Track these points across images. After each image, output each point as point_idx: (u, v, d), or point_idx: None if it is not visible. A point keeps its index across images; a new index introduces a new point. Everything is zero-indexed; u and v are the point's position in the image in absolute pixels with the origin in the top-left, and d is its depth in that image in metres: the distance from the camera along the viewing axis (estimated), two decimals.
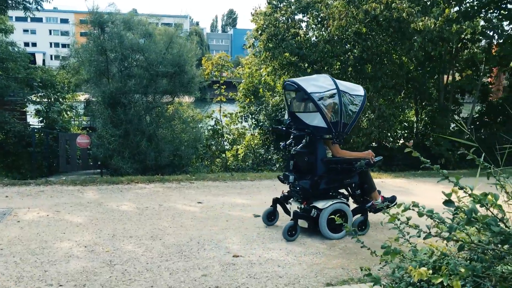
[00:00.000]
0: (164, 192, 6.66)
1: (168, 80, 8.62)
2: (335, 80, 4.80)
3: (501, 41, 10.23)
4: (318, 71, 9.49)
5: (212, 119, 11.52)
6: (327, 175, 4.71)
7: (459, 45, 10.58)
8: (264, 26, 9.82)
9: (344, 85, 4.83)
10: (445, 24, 8.37)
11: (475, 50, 11.35)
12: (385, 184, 7.76)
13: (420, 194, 7.08)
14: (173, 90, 8.99)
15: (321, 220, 4.62)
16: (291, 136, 4.93)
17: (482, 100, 12.28)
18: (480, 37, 10.24)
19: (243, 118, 11.69)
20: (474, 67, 11.91)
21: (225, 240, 4.55)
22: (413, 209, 2.12)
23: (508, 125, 11.39)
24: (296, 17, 10.09)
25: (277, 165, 10.53)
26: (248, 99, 11.82)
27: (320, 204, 4.65)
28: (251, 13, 10.72)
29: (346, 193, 5.06)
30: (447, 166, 10.68)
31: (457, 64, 11.46)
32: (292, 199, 5.00)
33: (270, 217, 5.13)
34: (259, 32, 10.00)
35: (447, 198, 2.05)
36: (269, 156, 10.93)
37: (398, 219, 2.29)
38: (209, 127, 11.32)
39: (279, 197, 5.14)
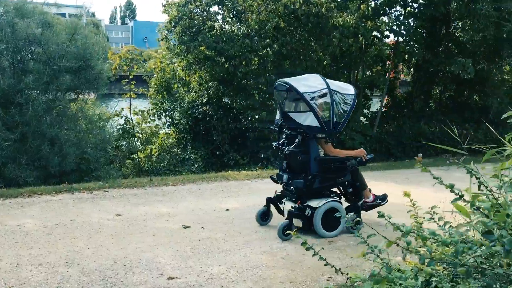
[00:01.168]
0: (75, 204, 5.88)
1: (72, 76, 7.70)
2: (326, 79, 4.88)
3: (407, 38, 10.79)
4: (236, 66, 9.20)
5: (121, 117, 10.65)
6: (321, 174, 4.78)
7: (366, 42, 10.94)
8: (178, 17, 9.26)
9: (335, 84, 4.93)
10: (361, 20, 8.58)
11: (382, 46, 11.92)
12: None
13: None
14: (77, 87, 8.08)
15: (316, 219, 4.68)
16: (283, 136, 5.04)
17: (389, 95, 12.95)
18: (389, 34, 10.71)
19: (156, 115, 10.99)
20: (382, 63, 12.50)
21: (155, 259, 4.05)
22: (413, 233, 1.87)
23: (413, 118, 12.14)
24: (211, 9, 9.68)
25: (196, 165, 10.08)
26: (160, 95, 11.14)
27: (314, 203, 4.71)
28: (162, 3, 10.09)
29: (337, 191, 5.10)
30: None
31: (365, 60, 11.90)
32: (285, 198, 5.02)
33: (263, 217, 5.18)
34: (173, 24, 9.41)
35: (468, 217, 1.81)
36: (187, 156, 10.42)
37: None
38: (119, 126, 10.46)
39: (272, 196, 5.19)
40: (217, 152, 10.41)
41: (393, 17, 10.40)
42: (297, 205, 4.69)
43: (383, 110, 12.85)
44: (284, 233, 4.57)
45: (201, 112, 10.26)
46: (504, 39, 10.35)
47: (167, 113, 11.05)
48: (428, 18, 10.80)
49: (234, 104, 10.05)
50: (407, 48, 11.44)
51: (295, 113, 4.87)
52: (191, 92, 10.73)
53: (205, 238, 4.69)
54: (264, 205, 5.20)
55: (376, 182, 7.52)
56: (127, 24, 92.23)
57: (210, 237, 4.73)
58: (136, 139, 10.75)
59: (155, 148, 10.98)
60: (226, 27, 9.46)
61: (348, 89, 4.98)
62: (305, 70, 9.39)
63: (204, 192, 6.73)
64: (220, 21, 9.77)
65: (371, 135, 11.56)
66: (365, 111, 12.61)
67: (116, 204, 5.91)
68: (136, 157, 10.60)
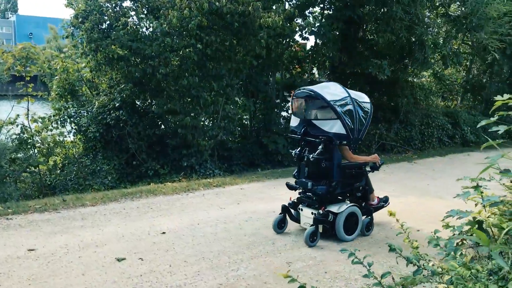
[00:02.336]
0: None
1: None
2: (344, 87, 5.08)
3: (325, 40, 10.86)
4: (154, 67, 8.44)
5: (17, 125, 9.21)
6: (342, 180, 5.01)
7: (284, 42, 10.81)
8: (86, 12, 8.20)
9: (353, 92, 5.08)
10: (285, 21, 8.37)
11: (298, 48, 11.94)
12: (247, 191, 7.28)
13: (283, 199, 6.83)
14: None
15: (338, 224, 4.88)
16: (302, 143, 5.15)
17: None
18: (308, 36, 10.69)
19: (59, 122, 9.69)
20: (299, 64, 12.52)
21: None
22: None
23: None
24: (124, 4, 8.75)
25: (109, 178, 9.06)
26: (63, 100, 9.87)
27: (334, 209, 4.91)
28: None
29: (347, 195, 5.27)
30: (283, 162, 10.92)
31: (284, 62, 11.80)
32: (301, 205, 5.17)
33: (280, 225, 5.23)
34: (80, 19, 8.31)
35: None
36: (98, 167, 9.33)
37: None
38: (14, 136, 9.02)
39: (287, 204, 5.28)
40: (133, 162, 9.48)
41: (311, 19, 10.39)
42: (321, 211, 4.83)
43: None
44: (311, 240, 4.77)
45: (113, 118, 9.25)
46: (414, 42, 10.91)
47: (72, 119, 9.81)
48: (344, 20, 10.98)
49: (152, 108, 9.23)
50: (324, 50, 11.55)
51: (321, 120, 4.98)
52: (101, 95, 9.65)
53: (147, 272, 4.02)
54: (280, 213, 5.28)
55: None
56: (8, 18, 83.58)
57: (152, 270, 4.07)
58: (36, 150, 9.38)
59: (60, 159, 9.69)
60: (142, 24, 8.61)
61: (363, 97, 5.18)
62: (229, 72, 8.96)
63: (130, 212, 5.94)
64: (135, 18, 8.89)
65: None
66: (285, 113, 12.51)
67: (26, 236, 4.92)
68: (38, 170, 9.25)
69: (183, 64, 8.44)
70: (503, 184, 3.81)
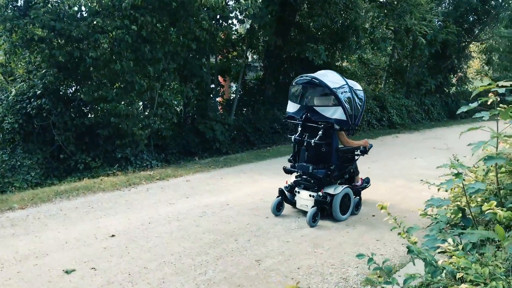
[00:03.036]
0: None
1: None
2: (341, 75, 5.38)
3: (261, 23, 10.59)
4: (83, 50, 7.65)
5: None
6: (339, 163, 5.30)
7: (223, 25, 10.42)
8: None
9: (349, 80, 5.36)
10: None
11: (231, 31, 11.58)
12: (194, 184, 6.88)
13: (233, 190, 6.55)
14: None
15: (335, 204, 5.16)
16: (299, 129, 5.34)
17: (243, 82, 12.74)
18: (243, 18, 10.35)
19: None
20: (232, 48, 12.19)
21: None
22: None
23: (267, 104, 12.20)
24: None
25: (33, 173, 8.13)
26: None
27: (331, 190, 5.18)
28: None
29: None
30: (221, 149, 10.62)
31: (218, 45, 11.40)
32: (297, 188, 5.39)
33: (278, 208, 5.41)
34: None
35: None
36: (18, 163, 8.32)
37: None
38: None
39: (283, 187, 5.47)
40: (60, 155, 8.60)
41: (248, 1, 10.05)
42: (320, 193, 5.08)
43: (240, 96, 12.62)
44: (313, 220, 5.03)
45: (34, 107, 8.27)
46: (348, 27, 11.04)
47: None
48: (279, 3, 10.80)
49: (81, 95, 8.39)
50: (259, 33, 11.32)
51: (322, 107, 5.17)
52: (18, 81, 8.59)
53: (104, 284, 3.56)
54: (277, 196, 5.44)
55: (263, 177, 7.16)
56: None
57: (110, 281, 3.62)
58: None
59: None
60: (68, 2, 7.69)
61: (357, 85, 5.51)
62: (166, 56, 8.40)
63: (69, 214, 5.32)
64: None
65: (229, 124, 11.17)
66: (220, 99, 12.16)
67: None
68: None
69: (116, 47, 7.73)
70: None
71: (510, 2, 15.82)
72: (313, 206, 5.09)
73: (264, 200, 6.11)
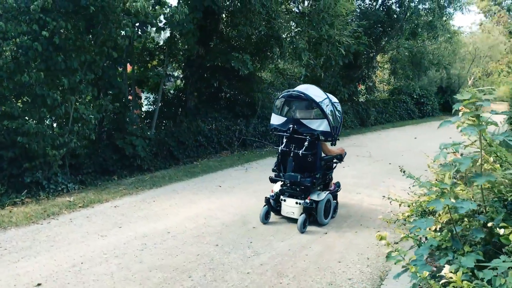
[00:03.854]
0: None
1: None
2: (320, 89, 5.79)
3: (183, 30, 10.03)
4: None
5: None
6: (323, 171, 5.75)
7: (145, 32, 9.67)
8: None
9: (328, 94, 5.80)
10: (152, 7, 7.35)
11: (148, 38, 10.87)
12: (124, 209, 6.12)
13: (170, 214, 5.94)
14: None
15: (320, 210, 5.58)
16: (284, 140, 5.66)
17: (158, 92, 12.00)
18: (163, 26, 9.71)
19: None
20: (150, 57, 11.47)
21: None
22: None
23: (189, 116, 11.62)
24: None
25: None
26: None
27: (315, 197, 5.58)
28: None
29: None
30: (142, 166, 9.83)
31: (136, 54, 10.62)
32: (282, 196, 5.71)
33: (266, 216, 5.70)
34: None
35: None
36: None
37: None
38: None
39: (269, 196, 5.78)
40: None
41: (171, 8, 9.45)
42: (307, 201, 5.47)
43: (155, 109, 11.85)
44: (303, 226, 5.40)
45: None
46: (272, 37, 10.91)
47: None
48: (202, 11, 10.33)
49: None
50: (180, 42, 10.74)
51: (309, 120, 5.54)
52: None
53: None
54: (264, 205, 5.75)
55: (199, 196, 6.62)
56: None
57: None
58: None
59: None
60: None
61: (334, 98, 5.91)
62: (82, 66, 7.50)
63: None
64: None
65: (150, 138, 10.41)
66: (138, 111, 11.31)
67: None
68: None
69: (22, 56, 6.69)
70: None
71: (412, 16, 17.01)
72: (302, 213, 5.49)
73: (208, 224, 5.61)
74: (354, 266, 4.43)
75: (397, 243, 5.16)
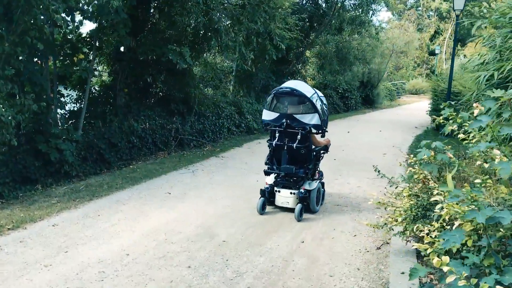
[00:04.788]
0: None
1: None
2: (308, 84, 6.22)
3: (113, 20, 9.03)
4: None
5: None
6: (314, 162, 6.14)
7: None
8: None
9: (315, 89, 6.09)
10: None
11: (69, 29, 9.67)
12: (66, 229, 5.18)
13: (123, 232, 5.14)
14: None
15: (312, 198, 5.94)
16: (277, 135, 5.97)
17: (84, 89, 10.79)
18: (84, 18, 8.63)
19: None
20: (74, 50, 10.23)
21: None
22: None
23: (120, 115, 10.58)
24: None
25: None
26: None
27: (307, 186, 5.93)
28: None
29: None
30: (70, 172, 8.72)
31: (57, 47, 9.38)
32: (276, 187, 6.05)
33: (263, 207, 5.99)
34: None
35: None
36: None
37: None
38: None
39: (264, 188, 6.10)
40: None
41: None
42: (302, 190, 5.86)
43: (80, 107, 10.64)
44: (300, 215, 5.73)
45: None
46: (210, 28, 10.24)
47: None
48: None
49: None
50: (109, 33, 9.68)
51: (301, 114, 5.85)
52: None
53: None
54: (261, 197, 6.05)
55: (150, 207, 5.84)
56: None
57: None
58: None
59: None
60: None
61: (320, 92, 6.15)
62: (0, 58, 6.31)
63: None
64: None
65: (77, 141, 9.28)
66: (62, 110, 10.06)
67: None
68: None
69: None
70: None
71: (340, 11, 17.25)
72: (298, 203, 5.85)
73: (171, 240, 4.93)
74: (348, 280, 4.05)
75: (379, 248, 4.91)
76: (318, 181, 6.21)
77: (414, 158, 5.01)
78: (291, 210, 5.94)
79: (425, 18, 47.82)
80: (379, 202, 4.75)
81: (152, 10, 10.71)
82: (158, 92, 11.98)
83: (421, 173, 4.76)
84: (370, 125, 17.67)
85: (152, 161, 9.70)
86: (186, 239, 4.95)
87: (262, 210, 5.96)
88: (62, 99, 10.24)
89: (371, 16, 17.05)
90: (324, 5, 18.07)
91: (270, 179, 6.17)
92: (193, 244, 4.81)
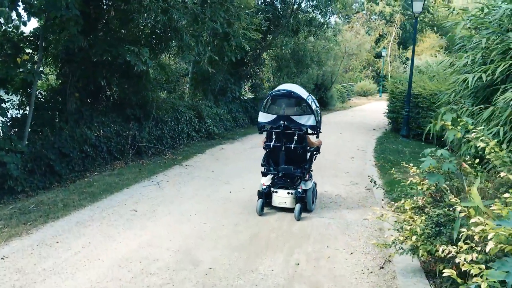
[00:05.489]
0: None
1: None
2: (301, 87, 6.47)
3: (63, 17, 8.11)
4: None
5: None
6: (310, 162, 6.36)
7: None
8: None
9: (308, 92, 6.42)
10: None
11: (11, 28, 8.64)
12: (20, 262, 4.33)
13: (90, 262, 4.38)
14: None
15: (308, 197, 6.11)
16: (273, 136, 6.13)
17: (27, 94, 9.70)
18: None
19: None
20: (14, 50, 9.15)
21: None
22: None
23: (70, 122, 9.59)
24: None
25: None
26: None
27: (303, 186, 6.10)
28: None
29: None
30: (15, 188, 7.70)
31: None
32: (273, 188, 6.15)
33: (262, 208, 6.05)
34: None
35: None
36: None
37: None
38: None
39: (261, 189, 6.14)
40: None
41: None
42: (300, 190, 5.94)
43: (24, 114, 9.56)
44: (300, 214, 5.86)
45: None
46: (171, 28, 9.51)
47: None
48: None
49: None
50: (60, 31, 8.72)
51: (298, 116, 6.02)
52: None
53: None
54: (259, 198, 6.09)
55: (118, 229, 5.10)
56: None
57: None
58: None
59: None
60: None
61: (312, 95, 6.32)
62: None
63: None
64: None
65: (23, 151, 8.26)
66: (2, 118, 8.94)
67: None
68: None
69: None
70: None
71: (297, 12, 16.98)
72: (297, 203, 5.94)
73: (148, 270, 4.25)
74: None
75: (382, 267, 4.49)
76: (312, 181, 6.30)
77: (415, 168, 4.64)
78: (272, 221, 5.69)
79: (372, 21, 49.06)
80: (381, 217, 4.32)
81: (105, 7, 9.79)
82: (113, 96, 11.05)
83: (424, 184, 4.39)
84: (329, 127, 17.48)
85: (109, 172, 8.83)
86: (166, 268, 4.28)
87: (261, 211, 6.03)
88: (3, 105, 9.13)
89: (329, 18, 16.92)
90: (279, 6, 17.72)
91: (267, 180, 6.25)
92: (175, 274, 4.15)
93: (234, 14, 9.87)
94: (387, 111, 17.36)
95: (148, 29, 9.99)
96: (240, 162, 10.05)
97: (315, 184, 6.59)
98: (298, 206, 5.89)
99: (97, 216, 5.89)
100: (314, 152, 6.43)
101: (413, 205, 4.39)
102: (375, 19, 49.75)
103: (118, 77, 10.41)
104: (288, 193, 6.03)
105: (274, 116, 6.10)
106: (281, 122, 6.01)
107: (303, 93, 6.08)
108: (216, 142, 12.95)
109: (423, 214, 4.05)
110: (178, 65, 17.72)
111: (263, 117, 6.22)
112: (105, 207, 6.31)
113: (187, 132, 12.45)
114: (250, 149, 11.78)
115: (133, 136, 10.46)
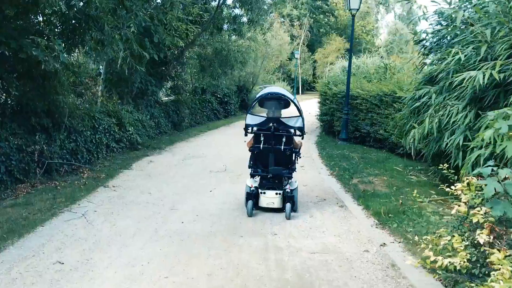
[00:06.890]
0: None
1: None
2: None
3: None
4: None
5: None
6: (295, 163, 6.47)
7: None
8: None
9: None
10: None
11: None
12: None
13: None
14: None
15: (295, 197, 6.24)
16: (262, 138, 6.17)
17: None
18: None
19: None
20: None
21: None
22: None
23: None
24: None
25: None
26: None
27: (290, 186, 6.24)
28: None
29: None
30: None
31: None
32: (260, 189, 6.18)
33: (253, 210, 6.10)
34: None
35: None
36: None
37: None
38: None
39: (249, 191, 6.16)
40: None
41: None
42: (288, 190, 6.15)
43: None
44: (291, 212, 6.04)
45: None
46: (89, 17, 7.63)
47: None
48: None
49: None
50: None
51: (286, 118, 6.27)
52: None
53: None
54: (249, 200, 6.14)
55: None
56: None
57: None
58: None
59: None
60: None
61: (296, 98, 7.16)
62: None
63: None
64: None
65: None
66: None
67: None
68: None
69: None
70: None
71: (222, 7, 15.69)
72: (287, 202, 6.03)
73: None
74: None
75: None
76: (295, 181, 6.39)
77: (462, 187, 3.62)
78: (253, 264, 4.54)
79: (286, 23, 49.37)
80: (429, 262, 3.21)
81: None
82: (11, 102, 8.75)
83: (481, 217, 3.35)
84: None
85: (11, 201, 6.80)
86: None
87: (251, 213, 6.05)
88: None
89: (257, 16, 15.79)
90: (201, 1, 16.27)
91: (253, 181, 6.28)
92: None
93: (166, 2, 8.28)
94: (318, 113, 16.73)
95: (58, 17, 7.99)
96: (179, 179, 8.47)
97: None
98: (288, 205, 6.00)
99: (2, 278, 4.05)
100: (298, 153, 6.49)
101: (465, 243, 3.34)
102: (283, 21, 50.11)
103: (18, 77, 8.25)
104: (276, 193, 6.13)
105: (263, 119, 6.25)
106: (271, 124, 6.14)
107: (289, 96, 6.27)
108: (141, 153, 11.15)
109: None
110: (87, 65, 15.42)
111: (251, 119, 6.30)
112: (13, 261, 4.45)
113: (106, 143, 10.49)
114: (185, 161, 10.23)
115: (40, 151, 8.33)
